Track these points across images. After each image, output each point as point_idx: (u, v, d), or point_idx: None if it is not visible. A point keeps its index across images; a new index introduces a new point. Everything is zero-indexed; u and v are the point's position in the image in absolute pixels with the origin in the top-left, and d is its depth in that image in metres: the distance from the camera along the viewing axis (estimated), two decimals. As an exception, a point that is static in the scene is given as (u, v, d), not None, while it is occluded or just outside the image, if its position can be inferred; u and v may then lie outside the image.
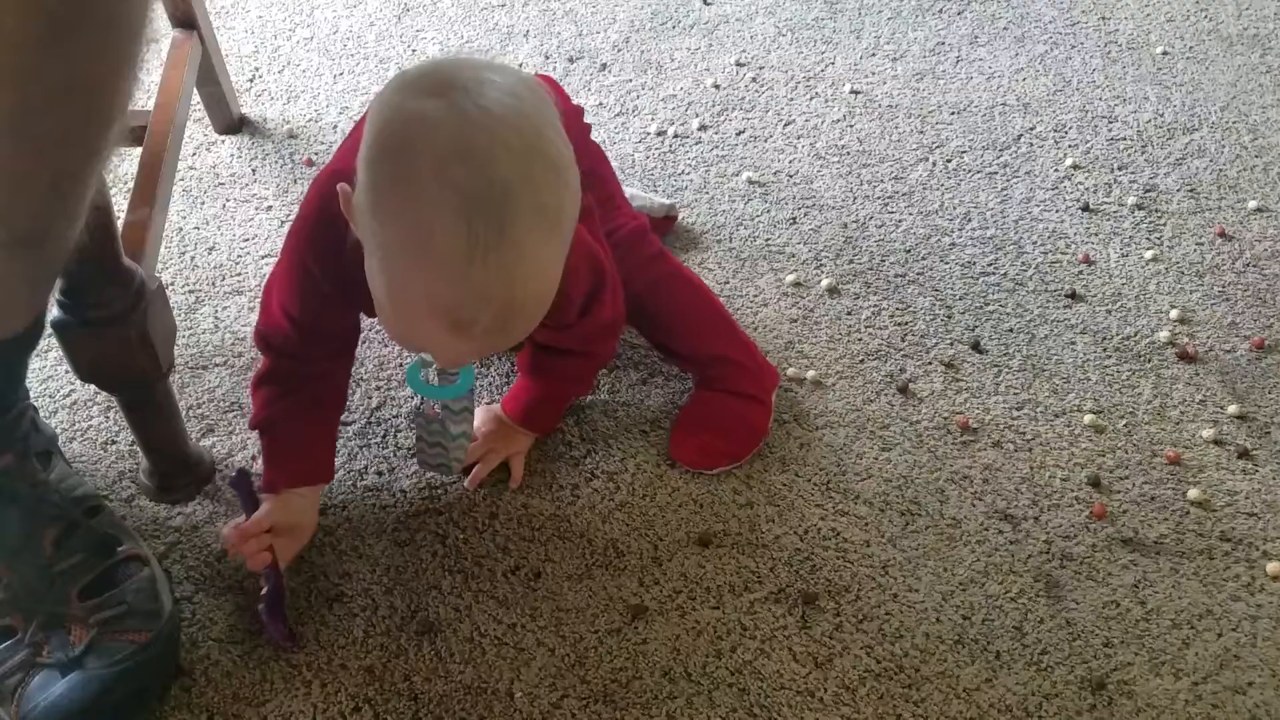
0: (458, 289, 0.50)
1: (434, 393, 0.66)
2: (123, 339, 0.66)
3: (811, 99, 1.15)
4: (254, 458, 0.78)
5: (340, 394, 0.74)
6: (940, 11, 1.30)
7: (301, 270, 0.66)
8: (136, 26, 0.46)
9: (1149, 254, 0.98)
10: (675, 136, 1.10)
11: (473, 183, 0.49)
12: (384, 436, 0.80)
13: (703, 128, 1.11)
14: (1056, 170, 1.08)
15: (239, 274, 0.93)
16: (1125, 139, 1.12)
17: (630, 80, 1.18)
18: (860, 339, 0.89)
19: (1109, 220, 1.02)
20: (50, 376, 0.83)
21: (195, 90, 1.02)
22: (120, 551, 0.67)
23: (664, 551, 0.74)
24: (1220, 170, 1.08)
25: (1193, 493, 0.78)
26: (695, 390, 0.82)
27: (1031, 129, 1.13)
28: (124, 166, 0.99)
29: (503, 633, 0.68)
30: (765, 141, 1.09)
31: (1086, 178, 1.07)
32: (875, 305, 0.93)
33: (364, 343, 0.87)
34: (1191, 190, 1.06)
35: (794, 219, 1.01)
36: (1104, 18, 1.30)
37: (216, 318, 0.89)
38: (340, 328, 0.70)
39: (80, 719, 0.60)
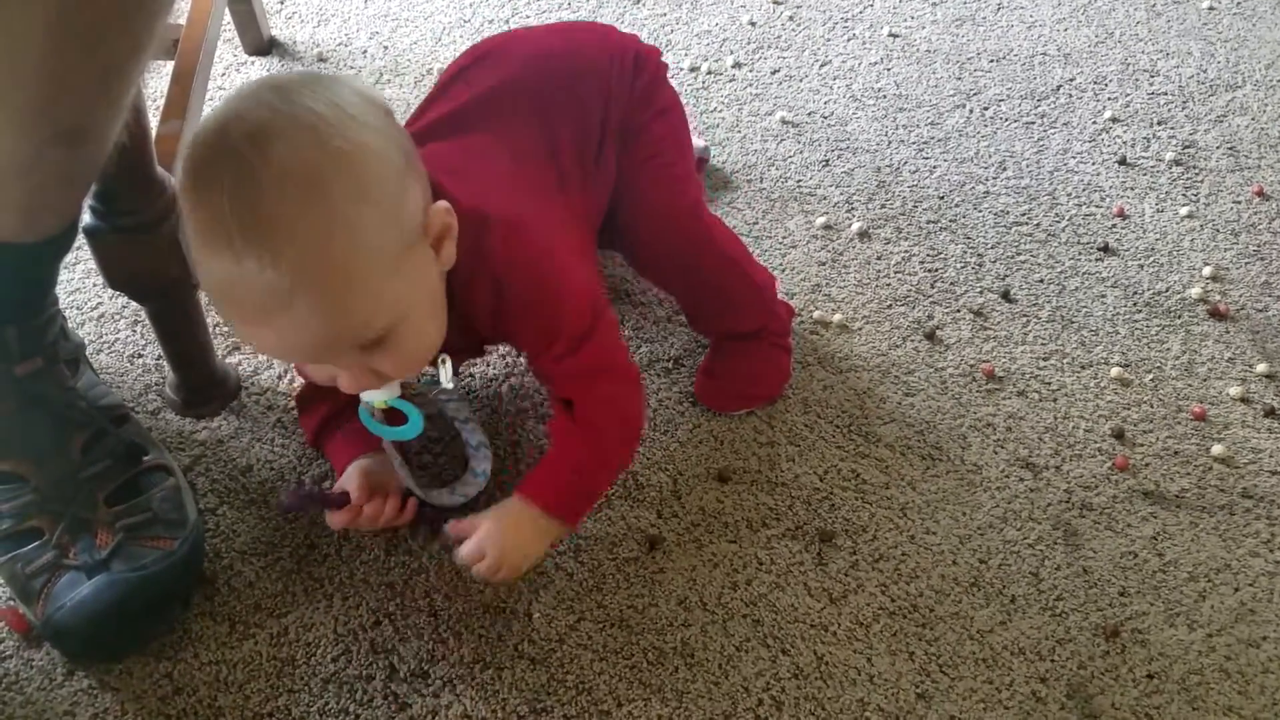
0: (224, 265, 0.47)
1: (386, 433, 0.61)
2: (155, 246, 0.64)
3: (849, 40, 1.10)
4: (288, 405, 0.76)
5: None
6: (983, -43, 1.24)
7: None
8: None
9: (1184, 210, 0.94)
10: (709, 73, 1.05)
11: (210, 155, 0.48)
12: None
13: (737, 65, 1.06)
14: (1095, 123, 1.03)
15: None
16: (1166, 94, 1.07)
17: (664, 14, 1.12)
18: (889, 284, 0.86)
19: (1145, 175, 0.98)
20: (78, 289, 0.81)
21: (226, 9, 0.99)
22: (146, 460, 0.66)
23: (683, 485, 0.72)
24: (1262, 129, 1.03)
25: (1217, 449, 0.76)
26: (715, 339, 0.78)
27: (1071, 80, 1.07)
28: (155, 83, 0.96)
29: (523, 555, 0.67)
30: (800, 82, 1.05)
31: (1125, 131, 1.02)
32: (906, 251, 0.89)
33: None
34: (1231, 148, 1.01)
35: (827, 161, 0.97)
36: (1150, -30, 1.24)
37: (245, 237, 0.87)
38: None
39: (105, 620, 0.59)
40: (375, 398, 0.57)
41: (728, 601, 0.66)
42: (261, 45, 1.04)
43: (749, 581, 0.67)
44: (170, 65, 0.78)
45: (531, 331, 0.60)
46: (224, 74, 1.03)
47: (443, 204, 0.54)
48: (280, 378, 0.76)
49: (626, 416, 0.63)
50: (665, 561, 0.68)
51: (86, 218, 0.63)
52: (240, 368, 0.77)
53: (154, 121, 0.72)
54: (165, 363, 0.73)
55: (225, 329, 0.79)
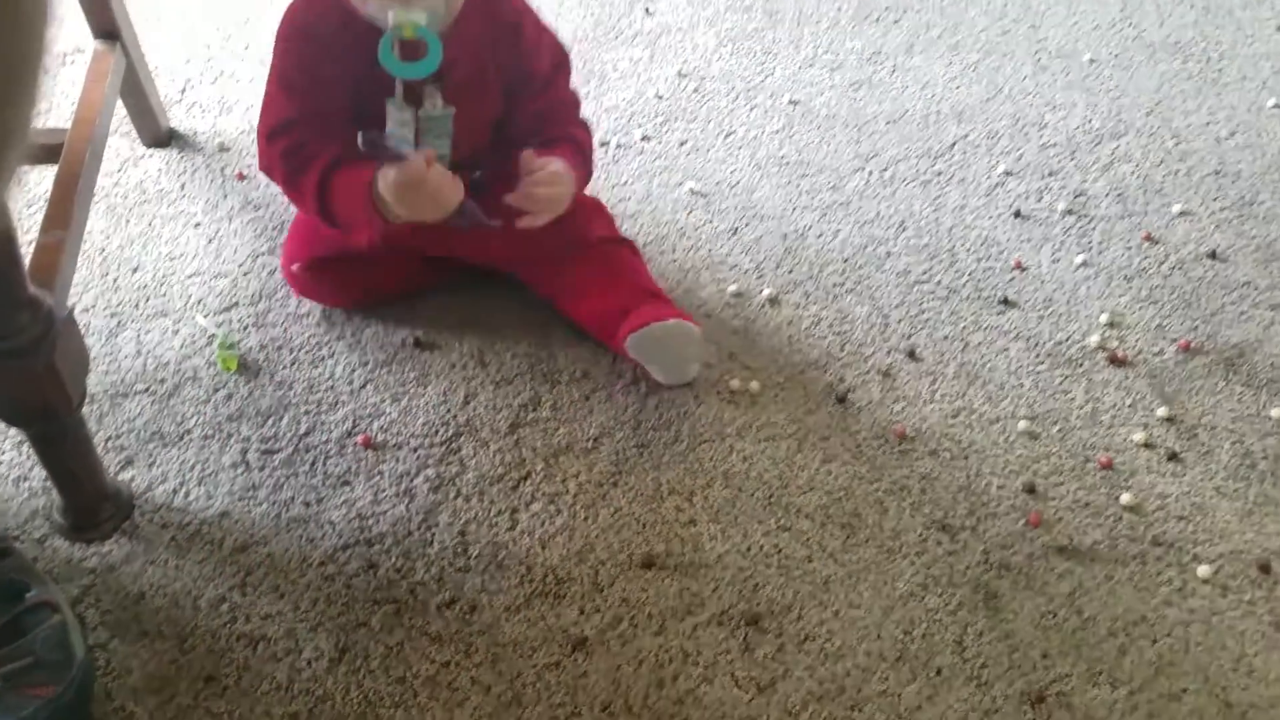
0: None
1: (404, 70, 0.70)
2: (29, 372, 0.59)
3: (751, 110, 1.11)
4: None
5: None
6: (877, 20, 1.27)
7: (301, 42, 0.73)
8: (26, 34, 0.40)
9: (1079, 259, 0.96)
10: (619, 147, 1.05)
11: None
12: (313, 464, 0.74)
13: (645, 138, 1.06)
14: (989, 177, 1.05)
15: (164, 294, 0.87)
16: (1055, 145, 1.10)
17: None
18: (800, 349, 0.86)
19: (1040, 226, 1.00)
20: (-40, 407, 0.76)
21: (120, 103, 0.95)
22: (29, 598, 0.61)
23: (605, 577, 0.69)
24: (1146, 175, 1.06)
25: (1125, 497, 0.76)
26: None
27: (965, 136, 1.10)
28: (39, 186, 0.92)
29: (435, 671, 0.63)
30: (707, 152, 1.05)
31: (1018, 184, 1.04)
32: (815, 315, 0.89)
33: (294, 364, 0.81)
34: (1119, 195, 1.04)
35: (735, 229, 0.97)
36: (1034, 26, 1.28)
37: (139, 342, 0.82)
38: (339, 105, 0.74)
39: (-21, 782, 0.54)
40: (410, 18, 0.68)
41: (654, 703, 0.63)
42: (160, 137, 1.01)
43: (675, 677, 0.64)
44: (54, 170, 0.74)
45: (549, 54, 0.80)
46: (119, 169, 0.98)
47: None
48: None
49: (590, 146, 0.84)
50: (588, 664, 0.65)
51: (-50, 345, 0.58)
52: (134, 483, 0.72)
53: (34, 231, 0.68)
54: (52, 485, 0.68)
55: (118, 443, 0.74)
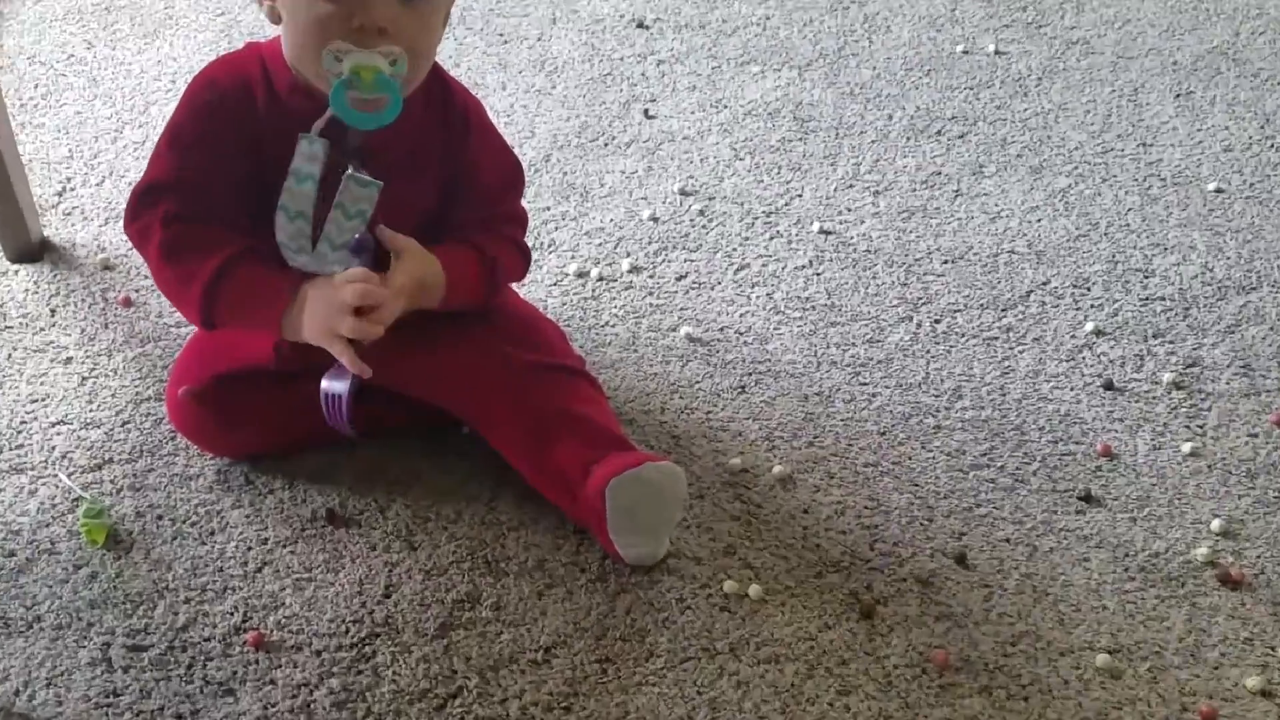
0: None
1: (360, 121, 0.87)
2: None
3: (771, 239, 1.27)
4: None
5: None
6: (938, 134, 1.46)
7: (207, 99, 0.92)
8: None
9: (1187, 447, 1.08)
10: (600, 280, 1.21)
11: None
12: (190, 666, 0.85)
13: (634, 269, 1.22)
14: (1074, 337, 1.19)
15: (21, 445, 1.00)
16: (1163, 299, 1.24)
17: (548, 208, 1.30)
18: (818, 545, 0.97)
19: (1138, 402, 1.13)
20: None
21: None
22: None
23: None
24: (1280, 342, 1.20)
25: (1231, 761, 0.85)
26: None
27: (1045, 284, 1.25)
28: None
29: None
30: (711, 290, 1.21)
31: (1112, 347, 1.19)
32: (838, 502, 1.02)
33: (176, 538, 0.94)
34: (1245, 366, 1.17)
35: (743, 387, 1.12)
36: (1144, 144, 1.47)
37: (-16, 500, 0.96)
38: (232, 184, 0.92)
39: None
40: (372, 63, 0.85)
41: None
42: (29, 250, 1.17)
43: None
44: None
45: (499, 170, 1.01)
46: (-24, 285, 1.15)
47: None
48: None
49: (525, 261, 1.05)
50: None
51: None
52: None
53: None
54: None
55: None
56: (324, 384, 0.94)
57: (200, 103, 0.93)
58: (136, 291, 1.16)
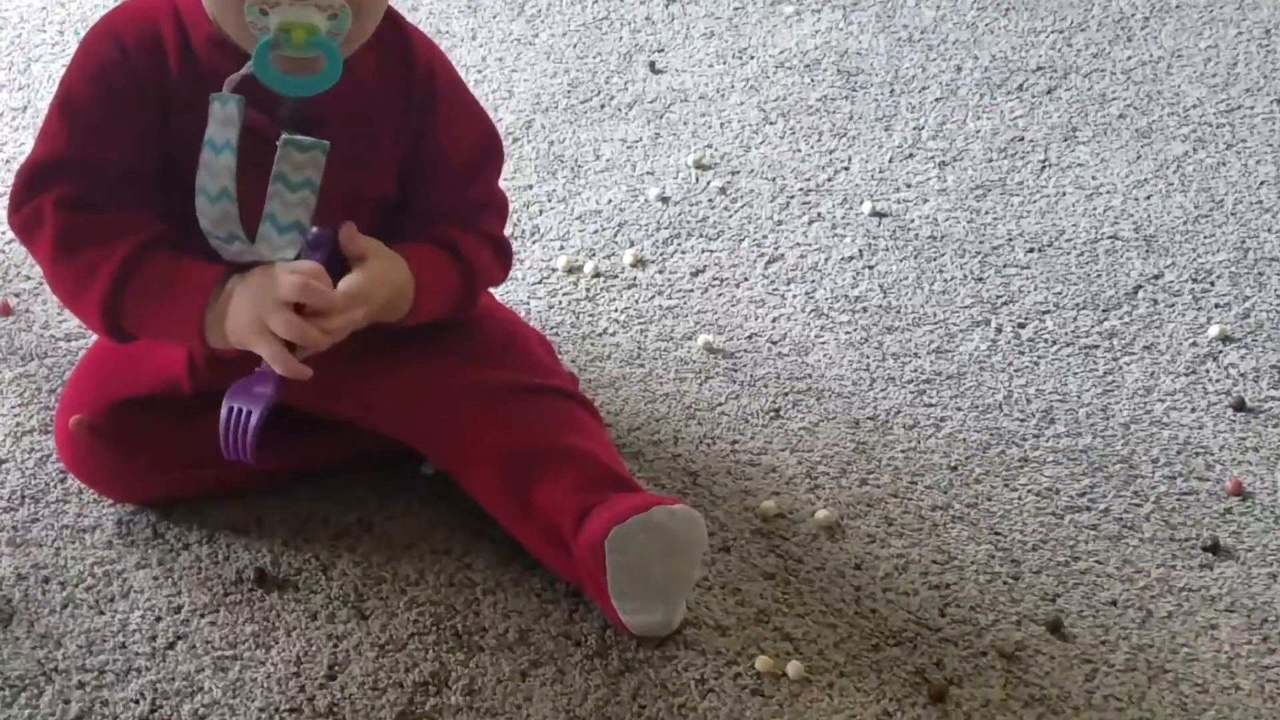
0: None
1: (289, 86, 0.86)
2: None
3: (811, 223, 1.25)
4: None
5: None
6: (1019, 88, 1.44)
7: (106, 54, 0.90)
8: None
9: (1338, 481, 1.07)
10: (597, 276, 1.19)
11: None
12: None
13: (639, 263, 1.20)
14: (1195, 344, 1.17)
15: None
16: (1307, 294, 1.23)
17: (530, 187, 1.28)
18: (874, 610, 0.95)
19: (1277, 427, 1.11)
20: None
21: None
22: None
23: None
24: None
25: None
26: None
27: (1156, 277, 1.23)
28: None
29: None
30: (736, 287, 1.19)
31: (1243, 357, 1.16)
32: (899, 555, 0.99)
33: (67, 606, 0.92)
34: None
35: (777, 409, 1.09)
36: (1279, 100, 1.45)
37: None
38: (138, 159, 0.91)
39: None
40: (302, 19, 0.82)
41: None
42: None
43: None
44: None
45: (474, 137, 0.99)
46: None
47: None
48: None
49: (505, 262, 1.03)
50: None
51: None
52: None
53: None
54: None
55: None
56: (229, 397, 0.90)
57: (99, 62, 0.91)
58: (17, 296, 1.15)
